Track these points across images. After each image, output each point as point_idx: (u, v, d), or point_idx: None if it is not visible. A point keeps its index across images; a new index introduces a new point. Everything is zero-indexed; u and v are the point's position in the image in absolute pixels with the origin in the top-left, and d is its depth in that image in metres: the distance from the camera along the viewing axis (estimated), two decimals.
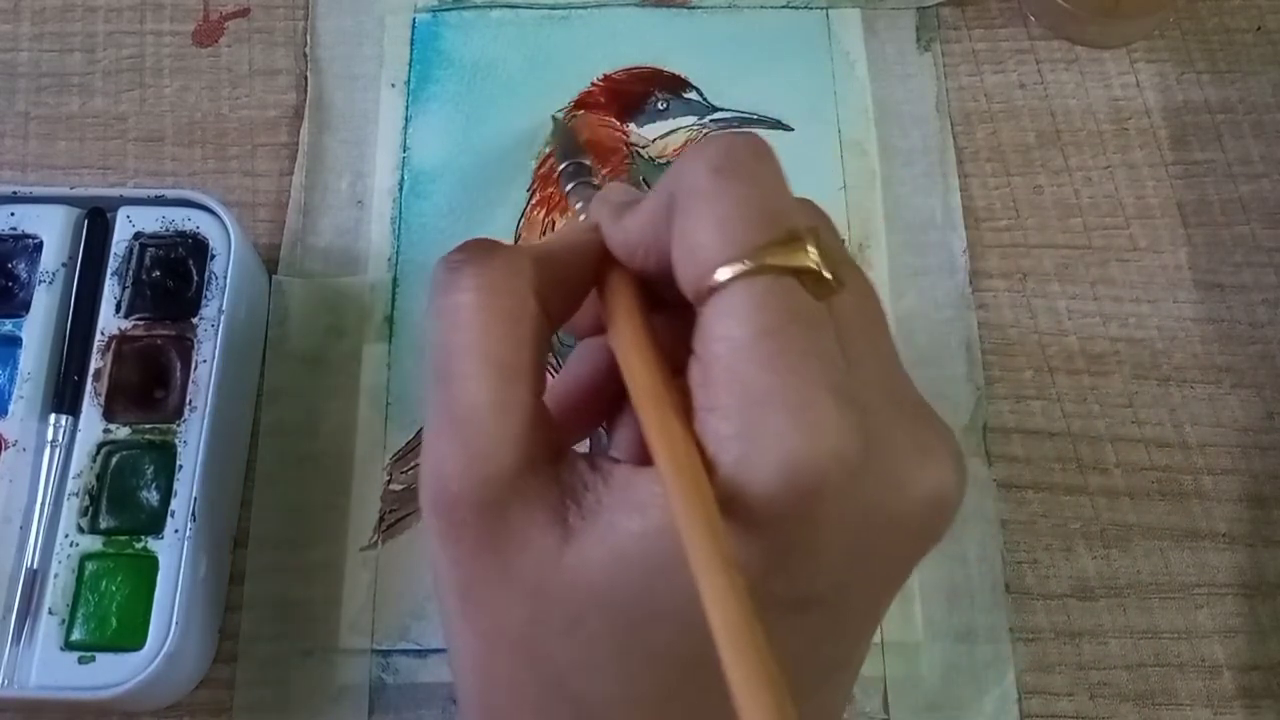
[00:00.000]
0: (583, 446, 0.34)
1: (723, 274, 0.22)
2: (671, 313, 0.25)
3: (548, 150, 0.45)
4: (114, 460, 0.38)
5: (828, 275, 0.23)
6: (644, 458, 0.23)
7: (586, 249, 0.26)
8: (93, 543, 0.37)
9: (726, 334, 0.22)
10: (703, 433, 0.22)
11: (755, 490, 0.21)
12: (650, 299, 0.26)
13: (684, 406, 0.23)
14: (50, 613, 0.36)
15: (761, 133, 0.45)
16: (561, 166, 0.34)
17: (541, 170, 0.45)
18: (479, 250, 0.24)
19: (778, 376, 0.21)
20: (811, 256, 0.22)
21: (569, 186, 0.31)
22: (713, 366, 0.22)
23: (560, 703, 0.23)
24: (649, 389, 0.23)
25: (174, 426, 0.38)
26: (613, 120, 0.46)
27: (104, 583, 0.36)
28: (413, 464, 0.41)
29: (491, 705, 0.24)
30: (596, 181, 0.31)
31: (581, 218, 0.29)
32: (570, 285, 0.26)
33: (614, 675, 0.23)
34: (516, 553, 0.23)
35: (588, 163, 0.35)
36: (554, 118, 0.45)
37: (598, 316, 0.27)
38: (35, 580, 0.36)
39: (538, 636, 0.23)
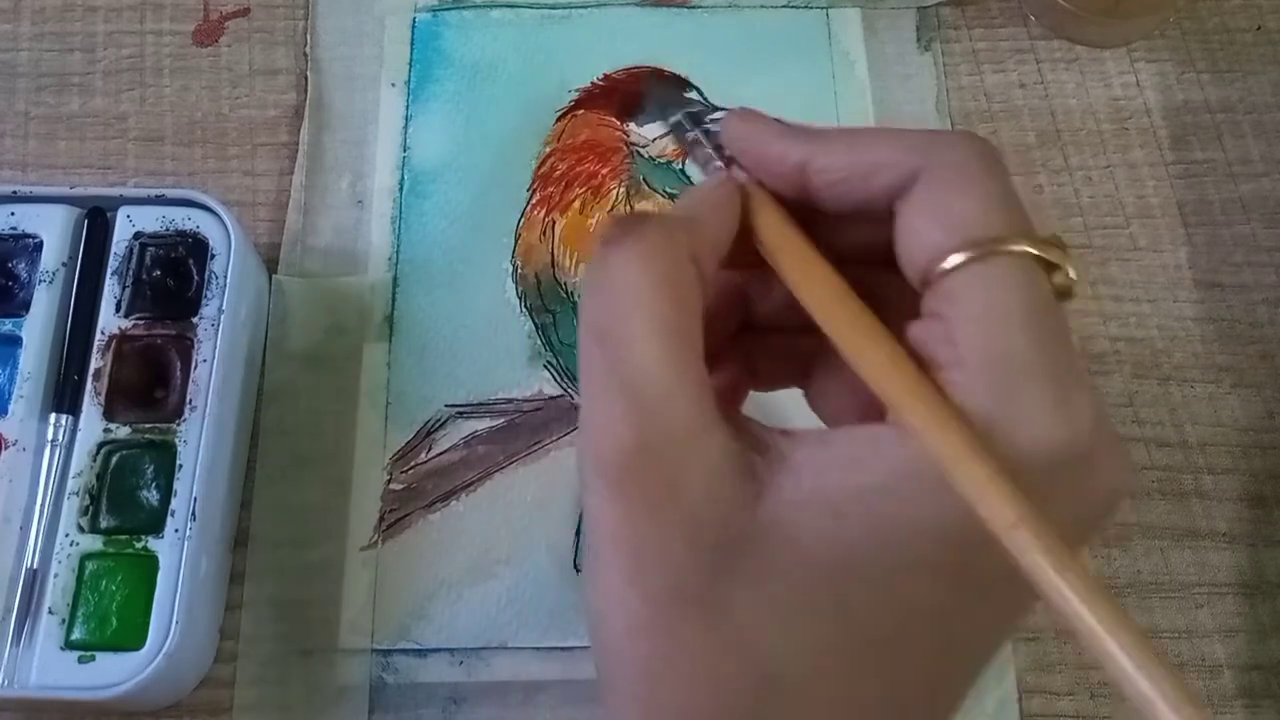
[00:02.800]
0: None
1: (982, 248, 0.22)
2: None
3: (548, 150, 0.45)
4: (114, 460, 0.38)
5: (1073, 279, 0.23)
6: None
7: (729, 207, 0.26)
8: (93, 542, 0.37)
9: (991, 300, 0.22)
10: (946, 385, 0.22)
11: (1007, 451, 0.21)
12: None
13: (899, 343, 0.23)
14: (50, 612, 0.36)
15: None
16: (676, 117, 0.32)
17: (541, 170, 0.45)
18: (634, 222, 0.24)
19: (1042, 353, 0.22)
20: (1066, 258, 0.23)
21: (690, 135, 0.30)
22: (965, 327, 0.22)
23: (743, 667, 0.23)
24: (878, 338, 0.23)
25: (174, 426, 0.38)
26: (613, 120, 0.46)
27: (104, 582, 0.36)
28: (413, 464, 0.41)
29: (655, 677, 0.23)
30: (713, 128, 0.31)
31: (714, 165, 0.28)
32: (715, 249, 0.26)
33: (812, 639, 0.23)
34: (702, 505, 0.23)
35: (697, 109, 0.34)
36: (654, 71, 0.43)
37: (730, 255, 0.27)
38: (35, 580, 0.36)
39: (721, 592, 0.22)
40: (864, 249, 0.27)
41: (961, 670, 0.20)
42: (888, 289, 0.26)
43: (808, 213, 0.26)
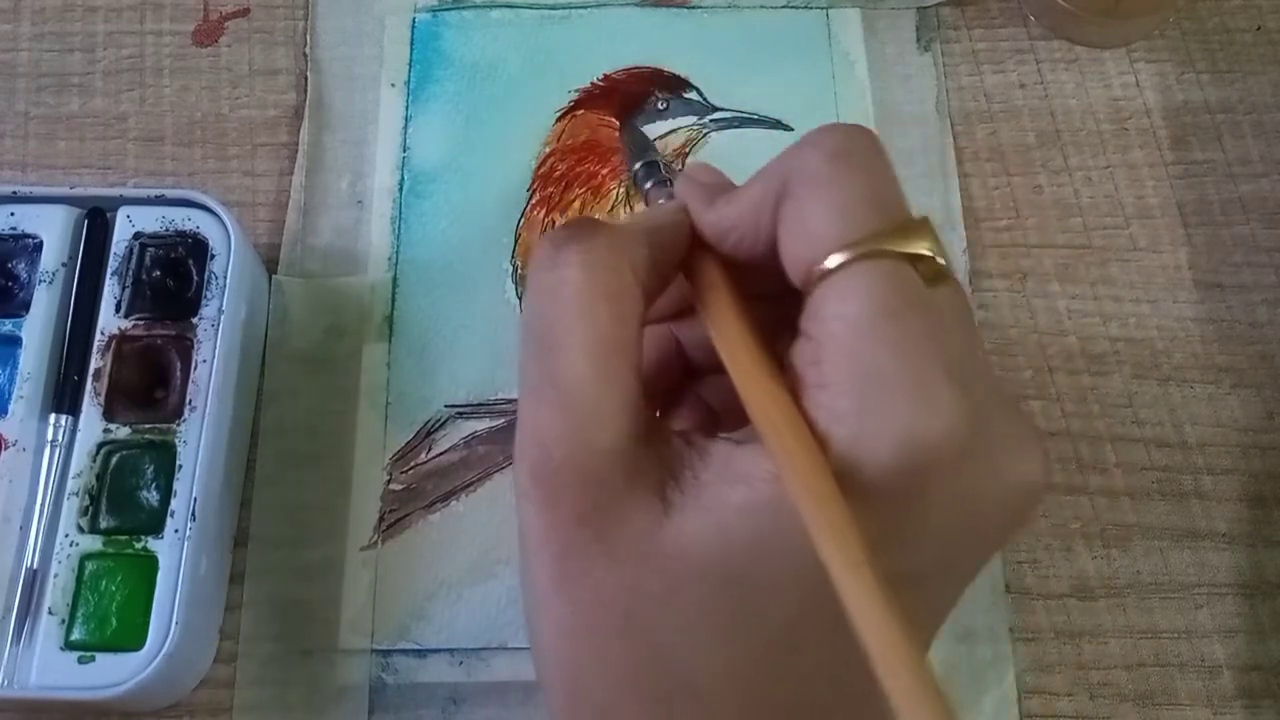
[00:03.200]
0: None
1: (839, 257, 0.23)
2: (756, 301, 0.26)
3: (548, 150, 0.45)
4: (114, 460, 0.38)
5: (942, 262, 0.23)
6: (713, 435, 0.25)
7: (676, 230, 0.26)
8: (93, 542, 0.37)
9: (845, 314, 0.22)
10: (813, 408, 0.22)
11: (872, 465, 0.21)
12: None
13: (787, 385, 0.23)
14: (50, 613, 0.36)
15: (761, 133, 0.45)
16: (635, 167, 0.34)
17: (541, 170, 0.45)
18: (583, 228, 0.25)
19: (898, 356, 0.22)
20: (928, 244, 0.23)
21: (647, 186, 0.32)
22: (827, 344, 0.22)
23: (657, 673, 0.23)
24: (753, 363, 0.24)
25: (174, 426, 0.38)
26: (612, 120, 0.46)
27: (104, 583, 0.36)
28: (413, 464, 0.41)
29: (580, 677, 0.24)
30: (669, 177, 0.31)
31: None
32: (662, 266, 0.26)
33: (716, 647, 0.23)
34: (618, 524, 0.23)
35: (659, 160, 0.34)
36: (631, 123, 0.44)
37: (672, 303, 0.27)
38: (35, 580, 0.36)
39: (638, 604, 0.23)
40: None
41: (865, 674, 0.20)
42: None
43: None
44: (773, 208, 0.24)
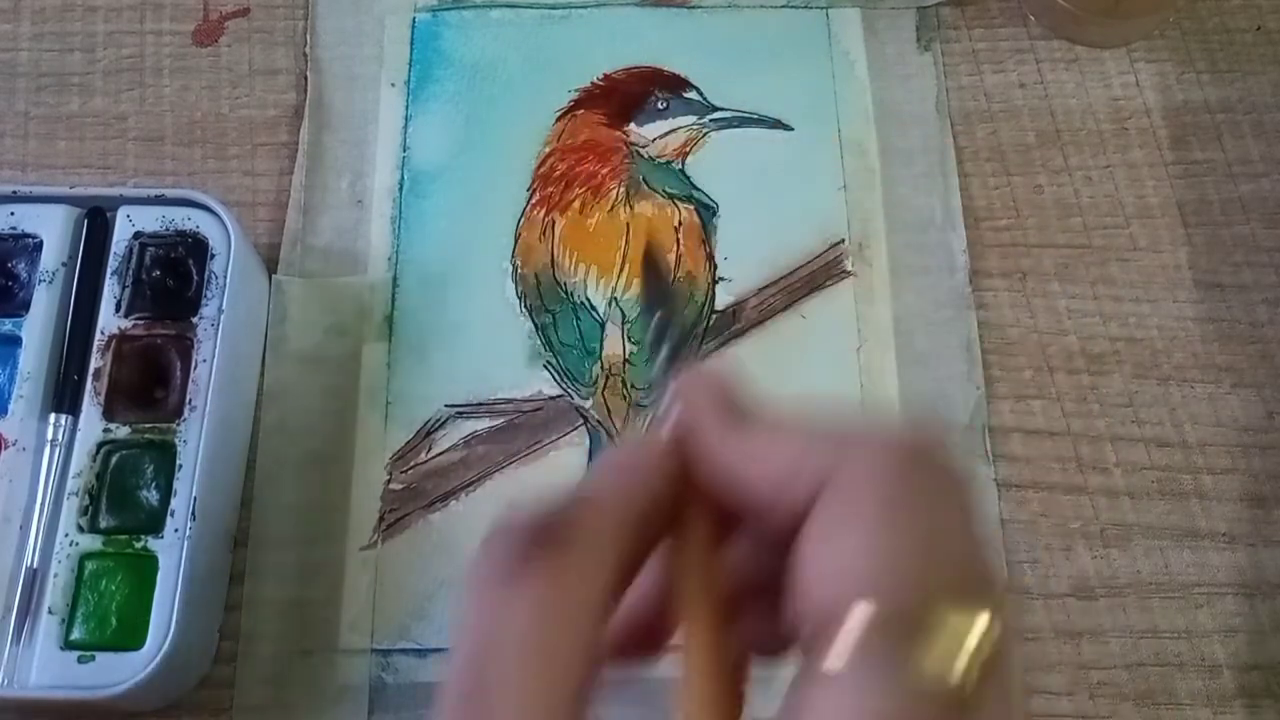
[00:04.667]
0: None
1: (859, 656, 0.17)
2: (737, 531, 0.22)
3: (548, 150, 0.45)
4: (114, 460, 0.38)
5: (961, 670, 0.17)
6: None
7: (666, 490, 0.22)
8: (92, 542, 0.37)
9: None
10: None
11: None
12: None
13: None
14: (50, 612, 0.36)
15: (761, 132, 0.45)
16: (654, 321, 0.29)
17: (541, 170, 0.45)
18: (556, 542, 0.20)
19: None
20: (961, 657, 0.18)
21: (664, 357, 0.26)
22: None
23: None
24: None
25: (174, 426, 0.38)
26: (612, 120, 0.46)
27: (104, 582, 0.36)
28: (412, 464, 0.41)
29: None
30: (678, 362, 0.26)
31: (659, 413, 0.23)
32: (647, 541, 0.21)
33: None
34: None
35: (666, 313, 0.29)
36: (648, 252, 0.36)
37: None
38: (35, 580, 0.36)
39: None
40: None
41: None
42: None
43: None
44: (809, 491, 0.19)
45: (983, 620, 0.18)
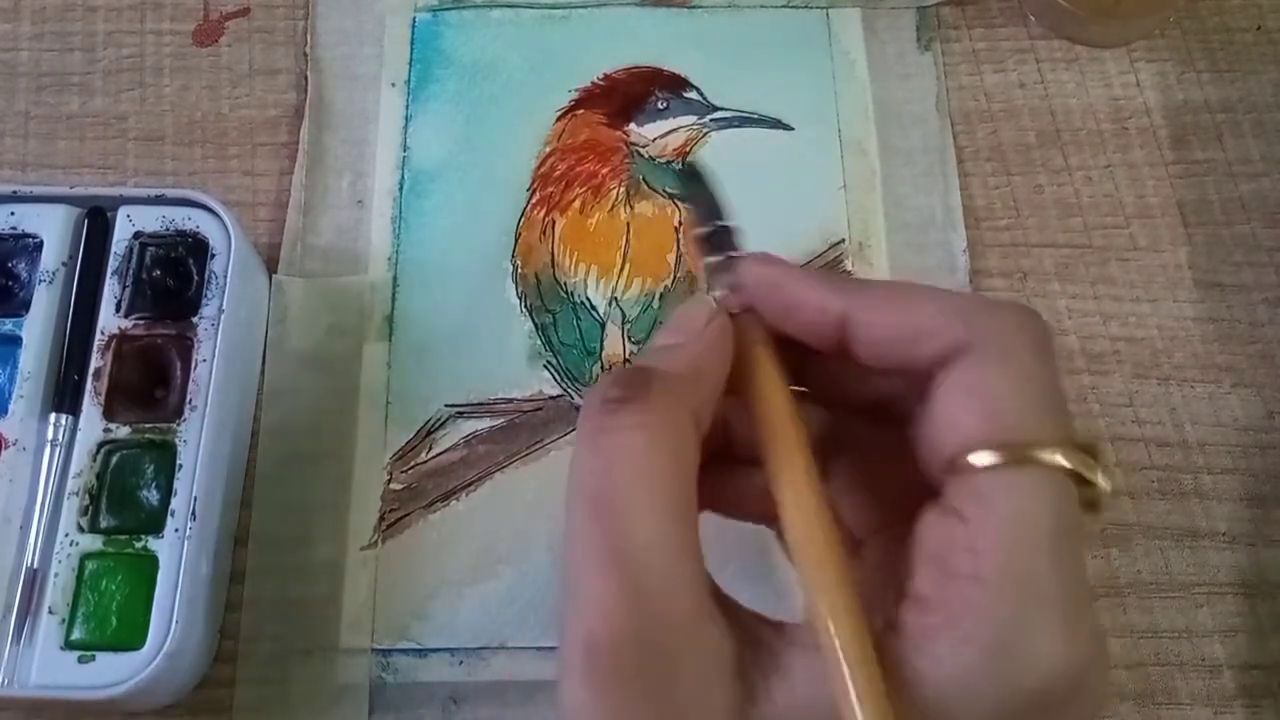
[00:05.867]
0: None
1: (1031, 452, 0.22)
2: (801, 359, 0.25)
3: (548, 150, 0.45)
4: (114, 459, 0.38)
5: (1105, 492, 0.23)
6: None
7: (724, 358, 0.25)
8: (93, 542, 0.37)
9: (1024, 517, 0.22)
10: (960, 596, 0.22)
11: (1008, 681, 0.21)
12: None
13: (847, 560, 0.22)
14: (50, 612, 0.36)
15: (761, 132, 0.45)
16: (704, 230, 0.29)
17: (541, 170, 0.45)
18: (638, 386, 0.23)
19: (1062, 578, 0.22)
20: (1104, 474, 0.23)
21: (713, 259, 0.28)
22: (991, 540, 0.22)
23: None
24: (828, 564, 0.23)
25: (174, 426, 0.38)
26: (613, 119, 0.46)
27: (104, 582, 0.36)
28: (413, 464, 0.41)
29: None
30: (736, 252, 0.28)
31: (714, 293, 0.27)
32: (712, 403, 0.25)
33: None
34: (692, 707, 0.21)
35: (733, 226, 0.30)
36: (689, 165, 0.35)
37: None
38: (35, 579, 0.36)
39: None
40: (858, 397, 0.27)
41: None
42: (859, 436, 0.26)
43: (801, 349, 0.25)
44: (942, 348, 0.23)
45: (1102, 467, 0.23)
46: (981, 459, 0.22)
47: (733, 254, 0.28)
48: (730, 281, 0.27)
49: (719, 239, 0.29)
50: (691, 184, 0.32)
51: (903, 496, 0.25)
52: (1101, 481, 0.23)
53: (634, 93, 0.46)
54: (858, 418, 0.28)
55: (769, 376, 0.25)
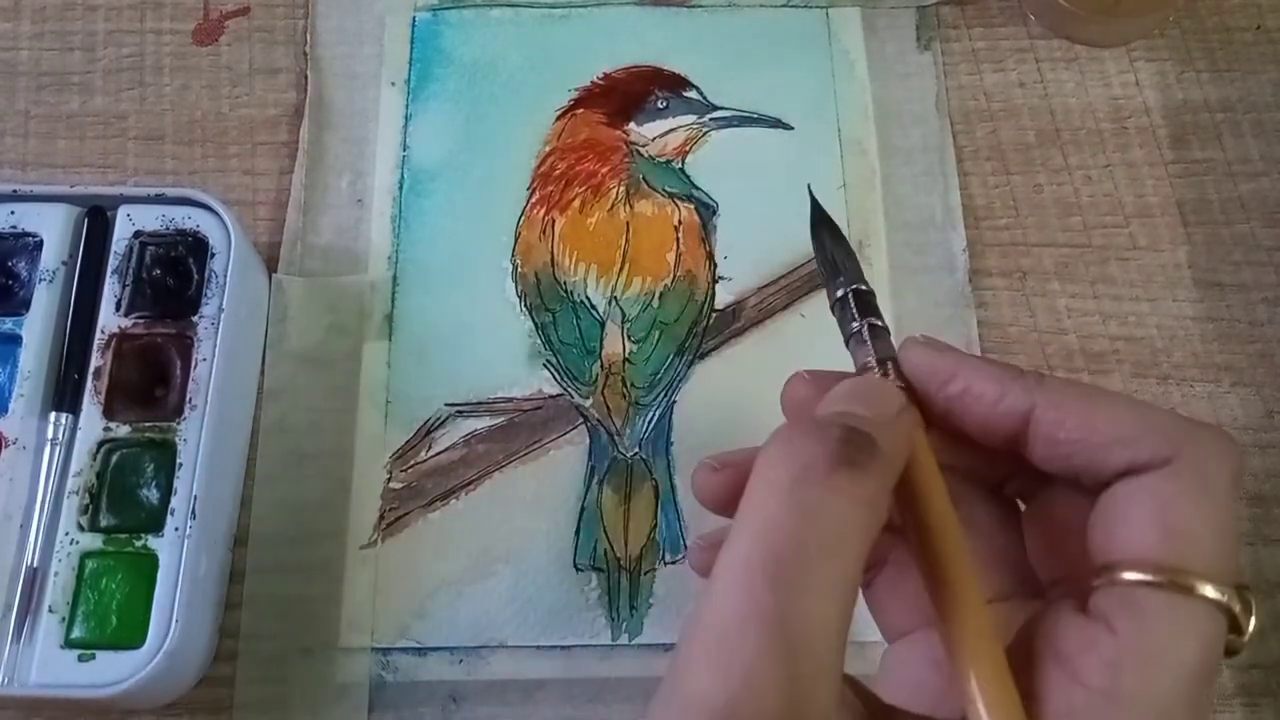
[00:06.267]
0: None
1: (1192, 580, 0.21)
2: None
3: (548, 149, 0.45)
4: (114, 458, 0.38)
5: (1245, 641, 0.22)
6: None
7: (908, 447, 0.24)
8: (93, 541, 0.37)
9: (1176, 648, 0.21)
10: (1086, 711, 0.21)
11: None
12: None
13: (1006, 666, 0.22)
14: (50, 611, 0.36)
15: (761, 132, 0.45)
16: (839, 294, 0.27)
17: (541, 169, 0.45)
18: (868, 451, 0.22)
19: (1196, 715, 0.21)
20: (1251, 620, 0.22)
21: (855, 326, 0.26)
22: (1137, 662, 0.21)
23: None
24: (993, 669, 0.22)
25: (174, 425, 0.38)
26: (613, 119, 0.46)
27: (104, 581, 0.36)
28: (413, 463, 0.41)
29: None
30: (880, 322, 0.26)
31: (875, 374, 0.26)
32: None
33: None
34: None
35: (870, 290, 0.27)
36: (823, 215, 0.29)
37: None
38: (35, 578, 0.36)
39: None
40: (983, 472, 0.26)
41: None
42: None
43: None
44: (1137, 460, 0.22)
45: (1251, 613, 0.22)
46: (1144, 573, 0.21)
47: (875, 322, 0.26)
48: (879, 355, 0.26)
49: (861, 303, 0.27)
50: (830, 239, 0.29)
51: (1006, 573, 0.25)
52: (1249, 629, 0.22)
53: (634, 92, 0.46)
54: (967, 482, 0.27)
55: (939, 500, 0.24)
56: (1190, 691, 0.21)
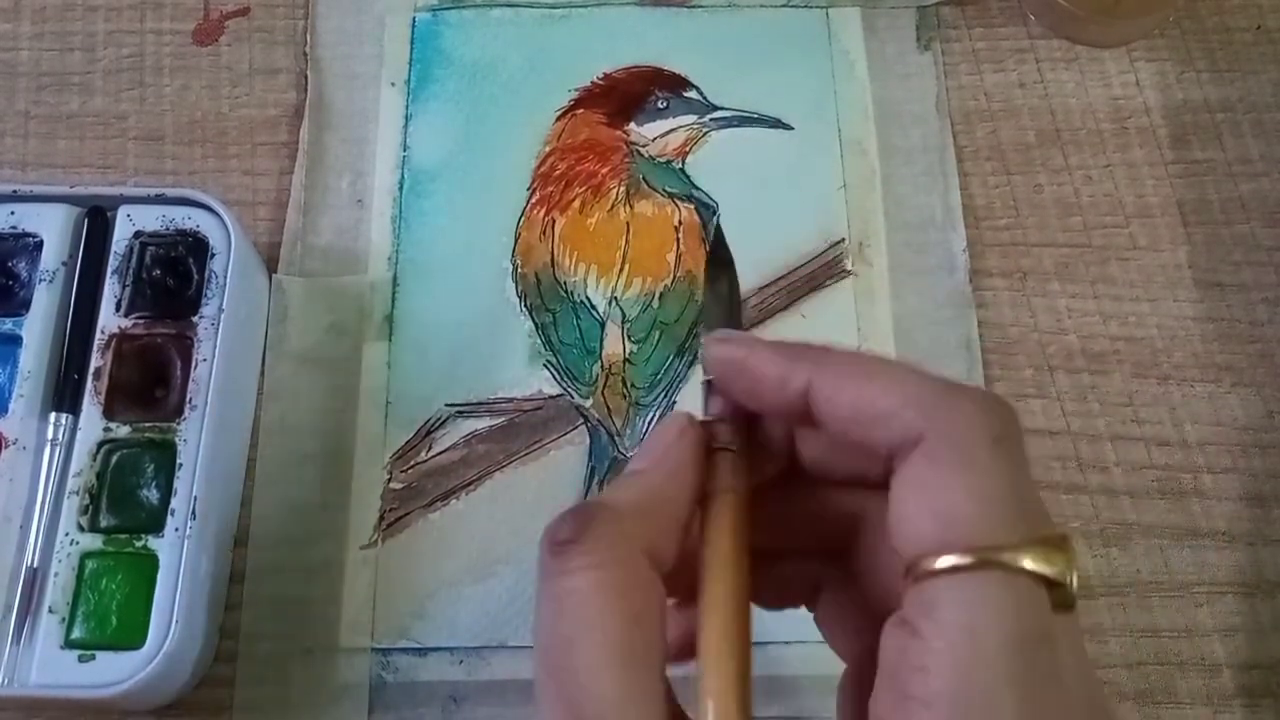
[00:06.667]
0: None
1: (978, 557, 0.20)
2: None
3: (548, 149, 0.45)
4: (114, 459, 0.38)
5: (1074, 594, 0.21)
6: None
7: (687, 464, 0.24)
8: (93, 541, 0.37)
9: (973, 628, 0.20)
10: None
11: None
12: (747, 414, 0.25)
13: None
14: (50, 611, 0.36)
15: (761, 132, 0.45)
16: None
17: (541, 169, 0.45)
18: (581, 523, 0.22)
19: (1023, 702, 0.20)
20: (1067, 570, 0.21)
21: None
22: (940, 656, 0.20)
23: None
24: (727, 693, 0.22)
25: (174, 425, 0.38)
26: (613, 119, 0.46)
27: (104, 581, 0.36)
28: (413, 463, 0.41)
29: None
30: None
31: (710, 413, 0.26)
32: (678, 515, 0.24)
33: None
34: None
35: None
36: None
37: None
38: (35, 579, 0.36)
39: None
40: (848, 470, 0.25)
41: None
42: (862, 507, 0.25)
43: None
44: (899, 436, 0.22)
45: (1066, 562, 0.21)
46: (935, 564, 0.21)
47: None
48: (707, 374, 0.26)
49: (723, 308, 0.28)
50: (717, 278, 0.29)
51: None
52: (1073, 578, 0.21)
53: (634, 92, 0.46)
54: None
55: (723, 517, 0.24)
56: (1010, 670, 0.20)
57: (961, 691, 0.20)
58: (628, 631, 0.21)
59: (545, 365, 0.42)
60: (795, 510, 0.26)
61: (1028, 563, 0.20)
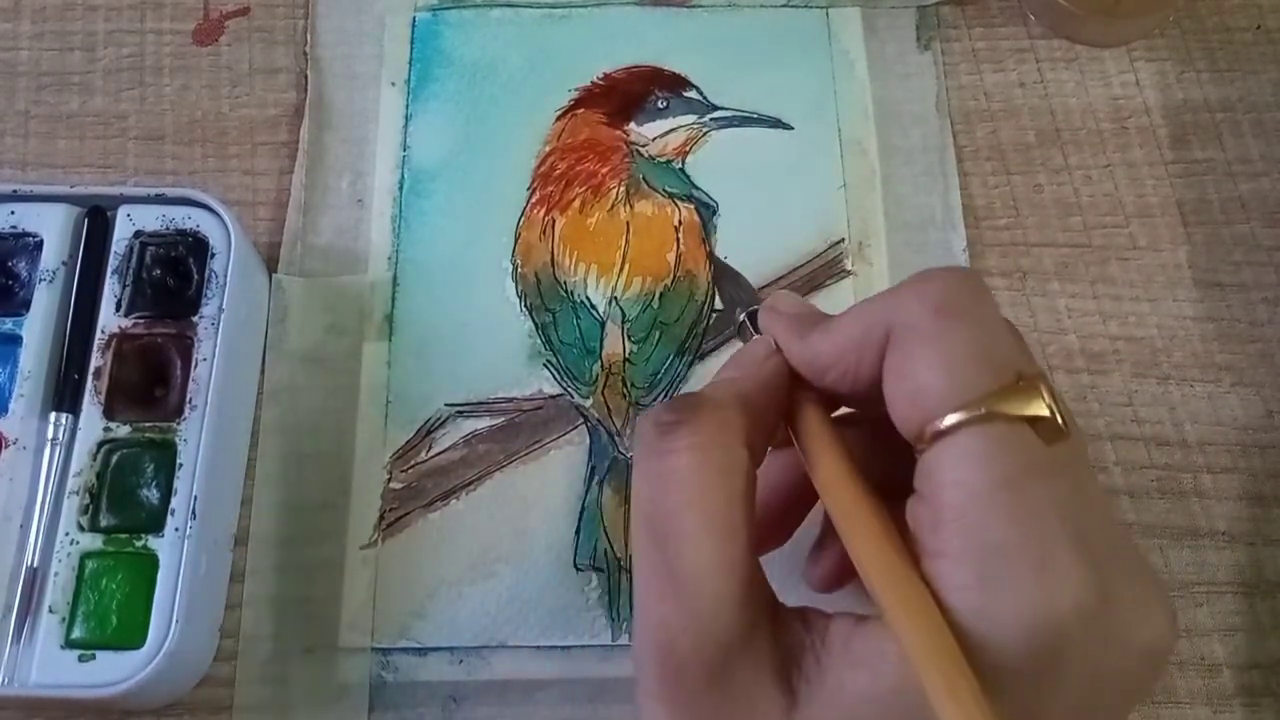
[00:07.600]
0: None
1: (952, 419, 0.22)
2: (860, 427, 0.26)
3: (548, 149, 0.45)
4: (114, 458, 0.38)
5: (1061, 421, 0.23)
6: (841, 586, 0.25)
7: (774, 379, 0.26)
8: (93, 541, 0.37)
9: (961, 480, 0.22)
10: (932, 576, 0.22)
11: (996, 643, 0.21)
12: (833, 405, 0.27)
13: (902, 546, 0.23)
14: (50, 611, 0.36)
15: (761, 132, 0.45)
16: (743, 317, 0.32)
17: (541, 169, 0.45)
18: (688, 409, 0.24)
19: (1018, 528, 0.21)
20: (1046, 403, 0.23)
21: (741, 318, 0.31)
22: (944, 511, 0.22)
23: None
24: (869, 530, 0.23)
25: (174, 425, 0.38)
26: (613, 119, 0.46)
27: (104, 581, 0.36)
28: (413, 463, 0.41)
29: None
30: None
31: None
32: (767, 421, 0.26)
33: None
34: (743, 716, 0.23)
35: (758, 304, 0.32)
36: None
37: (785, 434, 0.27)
38: (35, 578, 0.36)
39: None
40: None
41: None
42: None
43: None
44: (876, 352, 0.24)
45: (1041, 398, 0.23)
46: (926, 436, 0.23)
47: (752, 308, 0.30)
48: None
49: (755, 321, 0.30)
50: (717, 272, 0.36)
51: None
52: (1054, 409, 0.23)
53: (634, 92, 0.46)
54: None
55: (800, 398, 0.26)
56: (1004, 505, 0.21)
57: (964, 535, 0.22)
58: (727, 509, 0.23)
59: (545, 365, 0.42)
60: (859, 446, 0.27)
61: (998, 408, 0.22)
